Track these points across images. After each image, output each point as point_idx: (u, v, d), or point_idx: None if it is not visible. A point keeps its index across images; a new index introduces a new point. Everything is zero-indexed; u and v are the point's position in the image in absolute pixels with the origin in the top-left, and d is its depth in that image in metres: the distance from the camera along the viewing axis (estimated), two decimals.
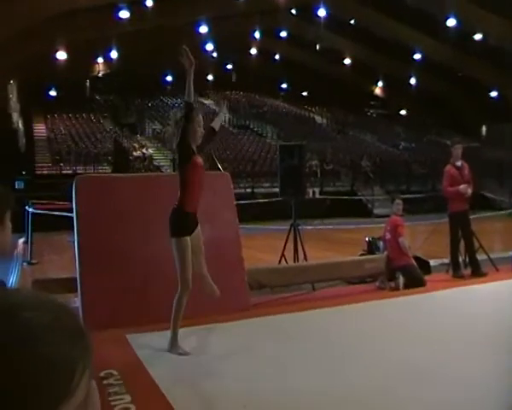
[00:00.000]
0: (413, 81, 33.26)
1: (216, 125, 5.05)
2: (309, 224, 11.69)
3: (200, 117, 4.83)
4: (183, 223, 4.65)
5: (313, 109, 36.84)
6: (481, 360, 4.27)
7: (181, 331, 5.05)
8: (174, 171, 14.85)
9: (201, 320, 5.30)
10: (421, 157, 27.25)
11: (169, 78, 34.72)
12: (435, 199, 14.21)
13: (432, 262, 8.32)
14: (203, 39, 28.36)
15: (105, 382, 3.79)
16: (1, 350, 0.58)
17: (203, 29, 26.67)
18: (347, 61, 33.63)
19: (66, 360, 0.61)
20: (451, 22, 25.66)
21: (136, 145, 24.50)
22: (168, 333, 4.82)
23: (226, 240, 6.26)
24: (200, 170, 4.77)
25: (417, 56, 30.29)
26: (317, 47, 32.51)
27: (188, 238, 4.64)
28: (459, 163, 8.03)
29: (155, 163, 22.93)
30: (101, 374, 3.86)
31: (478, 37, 26.82)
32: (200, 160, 4.78)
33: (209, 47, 30.02)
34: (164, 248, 4.98)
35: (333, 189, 22.34)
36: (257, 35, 30.33)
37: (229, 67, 36.28)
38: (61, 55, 25.03)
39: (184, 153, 4.67)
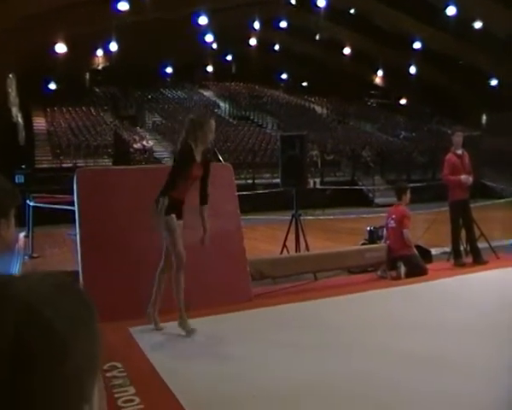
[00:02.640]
0: (413, 70, 33.09)
1: None
2: (310, 214, 11.69)
3: (212, 122, 4.97)
4: (171, 205, 4.72)
5: (313, 100, 36.70)
6: (484, 348, 4.28)
7: None
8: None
9: (204, 312, 5.31)
10: (421, 146, 27.19)
11: (169, 69, 34.55)
12: (436, 188, 14.17)
13: (433, 251, 8.34)
14: (202, 30, 28.22)
15: (108, 374, 3.81)
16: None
17: (202, 20, 26.51)
18: (347, 50, 33.47)
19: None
20: (451, 10, 25.53)
21: (136, 137, 24.45)
22: (170, 324, 4.86)
23: (228, 231, 6.27)
24: (196, 174, 4.86)
25: (417, 45, 30.13)
26: (317, 37, 32.34)
27: (174, 216, 4.73)
28: (460, 151, 8.03)
29: (156, 155, 22.91)
30: (105, 367, 3.88)
31: (478, 25, 26.68)
32: (199, 167, 4.85)
33: (208, 38, 29.88)
34: None
35: (333, 179, 22.35)
36: (256, 25, 30.11)
37: (229, 58, 36.09)
38: (61, 48, 24.91)
39: (185, 166, 4.76)
